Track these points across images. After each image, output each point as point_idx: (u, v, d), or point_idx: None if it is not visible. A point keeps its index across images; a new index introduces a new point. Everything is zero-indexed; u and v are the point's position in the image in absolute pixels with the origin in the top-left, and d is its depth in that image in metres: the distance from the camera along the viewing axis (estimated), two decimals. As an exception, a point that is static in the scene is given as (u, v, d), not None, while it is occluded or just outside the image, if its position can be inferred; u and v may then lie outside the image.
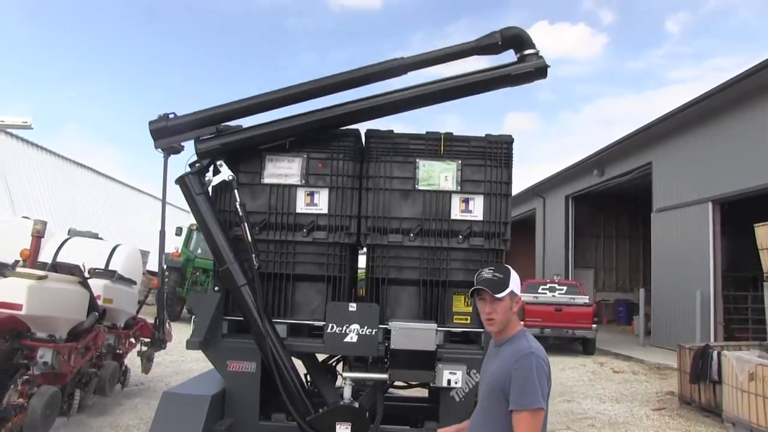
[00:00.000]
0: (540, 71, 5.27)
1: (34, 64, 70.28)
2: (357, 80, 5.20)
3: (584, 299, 17.49)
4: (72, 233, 8.96)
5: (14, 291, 5.49)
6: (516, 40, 5.28)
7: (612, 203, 28.26)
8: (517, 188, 29.02)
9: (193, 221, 20.85)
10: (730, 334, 16.17)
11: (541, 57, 5.27)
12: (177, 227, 19.39)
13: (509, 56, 5.38)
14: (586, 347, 16.98)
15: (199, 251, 19.88)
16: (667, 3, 70.77)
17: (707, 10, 72.77)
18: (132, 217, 32.90)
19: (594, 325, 16.71)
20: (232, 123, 5.32)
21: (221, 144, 5.16)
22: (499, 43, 5.23)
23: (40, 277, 5.68)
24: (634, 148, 20.26)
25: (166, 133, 5.13)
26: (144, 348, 9.18)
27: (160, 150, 5.22)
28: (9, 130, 20.78)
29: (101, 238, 9.75)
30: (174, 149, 5.24)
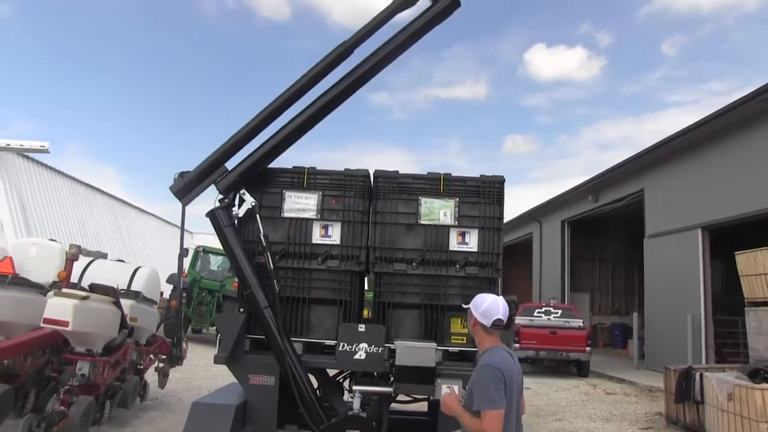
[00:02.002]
0: (454, 4, 6.02)
1: (37, 83, 71.30)
2: (319, 75, 5.92)
3: (579, 323, 18.04)
4: (83, 253, 9.60)
5: (61, 309, 6.17)
6: None
7: (607, 228, 28.80)
8: (514, 212, 29.60)
9: (200, 243, 21.58)
10: (723, 357, 16.70)
11: None
12: (184, 249, 19.99)
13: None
14: (580, 369, 17.54)
15: (205, 272, 20.43)
16: (663, 26, 71.96)
17: (702, 34, 73.94)
18: (137, 237, 33.52)
19: (588, 348, 17.27)
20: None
21: (238, 175, 5.87)
22: None
23: (83, 297, 6.35)
24: (627, 175, 20.95)
25: (187, 191, 5.85)
26: (161, 364, 9.79)
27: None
28: (27, 153, 21.58)
29: (122, 260, 10.44)
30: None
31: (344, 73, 6.03)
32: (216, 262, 20.76)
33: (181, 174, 5.93)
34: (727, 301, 18.58)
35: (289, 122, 5.98)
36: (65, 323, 6.19)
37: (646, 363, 19.33)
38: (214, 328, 18.68)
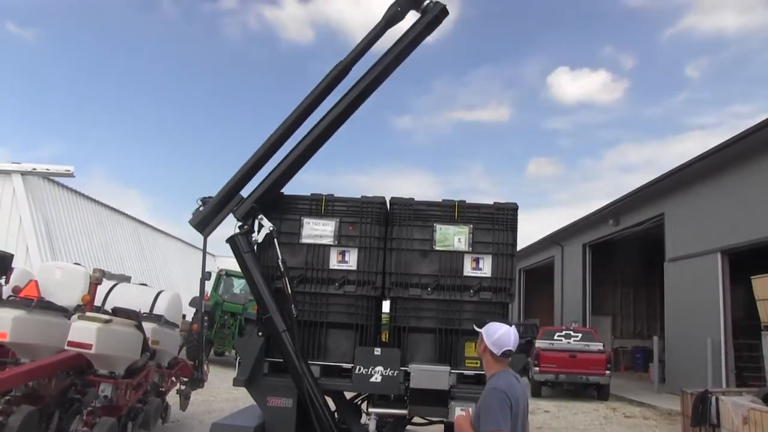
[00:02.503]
0: (443, 12, 6.32)
1: (66, 106, 72.86)
2: (322, 95, 6.24)
3: (598, 346, 17.95)
4: (107, 277, 9.80)
5: (85, 332, 6.35)
6: (411, 0, 6.33)
7: (629, 251, 28.51)
8: (537, 235, 29.57)
9: (222, 267, 21.82)
10: (743, 381, 16.50)
11: (438, 2, 6.29)
12: (206, 272, 20.22)
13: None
14: (600, 393, 17.41)
15: (228, 295, 20.61)
16: (686, 49, 71.65)
17: (726, 56, 73.51)
18: (159, 259, 33.88)
19: (608, 372, 17.15)
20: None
21: (254, 201, 6.06)
22: (400, 9, 6.32)
23: (107, 321, 6.53)
24: (647, 199, 20.92)
25: (206, 223, 6.05)
26: (183, 386, 9.93)
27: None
28: (53, 177, 22.04)
29: (145, 284, 10.65)
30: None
31: (346, 90, 6.33)
32: (238, 285, 20.96)
33: (203, 200, 6.14)
34: (748, 324, 18.37)
35: (298, 144, 6.21)
36: (89, 346, 6.36)
37: (667, 386, 19.14)
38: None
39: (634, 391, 19.01)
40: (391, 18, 6.32)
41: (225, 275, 20.97)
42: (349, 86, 6.33)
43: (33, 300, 6.93)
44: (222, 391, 13.84)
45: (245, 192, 6.20)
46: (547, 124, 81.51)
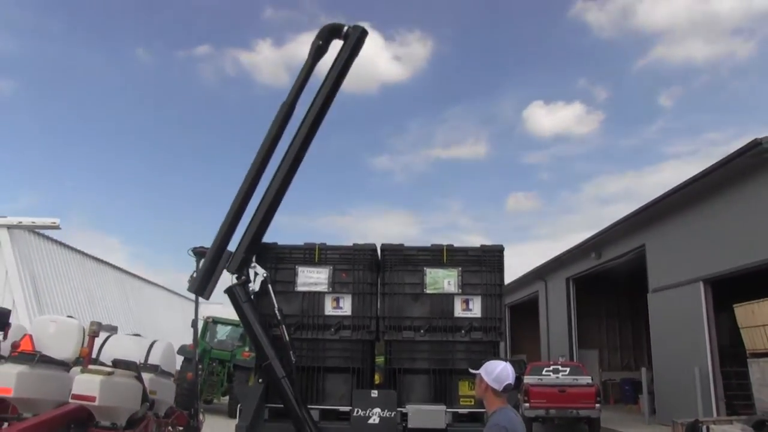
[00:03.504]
0: (364, 34, 6.85)
1: (41, 157, 72.85)
2: (275, 138, 6.64)
3: (587, 379, 18.05)
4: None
5: (89, 385, 6.49)
6: (331, 31, 6.88)
7: (612, 283, 28.75)
8: (519, 270, 29.82)
9: (210, 314, 21.82)
10: (734, 410, 16.66)
11: (357, 26, 6.84)
12: (192, 319, 20.21)
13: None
14: (591, 427, 17.48)
15: (215, 342, 20.56)
16: (658, 78, 73.15)
17: (697, 85, 75.09)
18: (144, 308, 33.70)
19: (597, 405, 17.25)
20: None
21: (243, 252, 6.30)
22: (322, 42, 6.84)
23: (109, 373, 6.67)
24: (628, 231, 21.31)
25: (203, 286, 6.32)
26: (178, 436, 9.97)
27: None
28: (38, 230, 22.06)
29: (138, 334, 10.75)
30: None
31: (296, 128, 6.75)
32: (225, 332, 20.93)
33: (195, 251, 6.38)
34: (735, 352, 18.62)
35: (268, 188, 6.52)
36: (92, 398, 6.49)
37: (658, 417, 19.27)
38: (225, 398, 18.73)
39: (625, 423, 19.12)
40: (317, 53, 6.79)
41: (212, 322, 20.95)
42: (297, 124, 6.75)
43: (35, 355, 7.06)
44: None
45: (232, 246, 6.45)
46: (525, 158, 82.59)
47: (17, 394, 6.70)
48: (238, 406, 6.24)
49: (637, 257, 21.52)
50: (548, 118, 77.43)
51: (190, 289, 6.34)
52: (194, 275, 6.32)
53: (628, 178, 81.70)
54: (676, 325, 18.66)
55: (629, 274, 25.41)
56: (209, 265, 6.30)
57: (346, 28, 6.83)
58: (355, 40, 6.75)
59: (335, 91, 6.75)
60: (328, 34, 6.86)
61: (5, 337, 8.33)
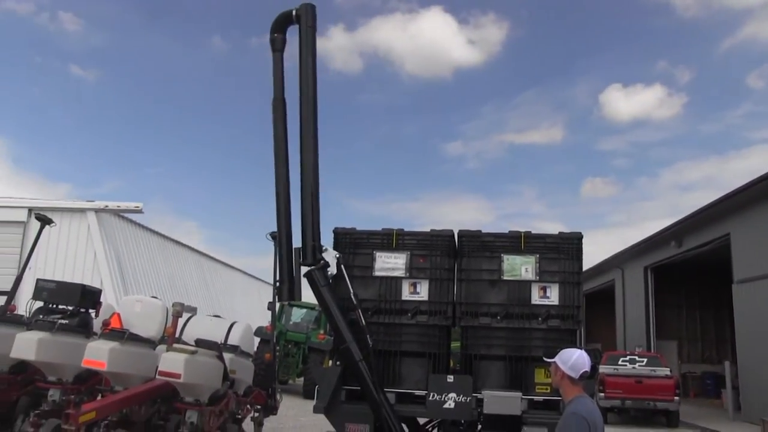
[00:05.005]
0: (311, 7, 6.86)
1: (122, 143, 75.75)
2: (284, 132, 6.85)
3: (665, 371, 17.58)
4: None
5: (174, 362, 6.78)
6: (283, 21, 6.98)
7: (694, 273, 27.76)
8: (595, 258, 29.14)
9: (287, 297, 22.29)
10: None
11: (303, 4, 6.84)
12: (269, 302, 20.71)
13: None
14: (670, 420, 17.05)
15: (291, 325, 21.00)
16: (747, 59, 69.10)
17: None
18: (222, 290, 34.72)
19: (676, 398, 16.78)
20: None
21: (311, 242, 6.40)
22: (277, 35, 7.01)
23: (193, 352, 6.96)
24: (711, 219, 20.47)
25: (291, 289, 6.56)
26: (257, 414, 10.29)
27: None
28: (122, 213, 23.04)
29: (218, 316, 11.12)
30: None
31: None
32: (300, 315, 21.36)
33: (272, 235, 6.55)
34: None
35: (302, 178, 6.58)
36: (178, 375, 6.79)
37: (744, 415, 18.49)
38: (300, 379, 19.15)
39: (707, 418, 18.46)
40: (279, 44, 6.92)
41: (288, 305, 21.40)
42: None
43: (125, 332, 7.44)
44: (289, 419, 14.17)
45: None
46: (601, 143, 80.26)
47: (110, 368, 7.09)
48: (316, 387, 6.38)
49: (720, 247, 20.66)
50: (626, 102, 75.01)
51: (283, 300, 6.59)
52: (277, 285, 6.54)
53: (711, 164, 78.41)
54: (764, 318, 17.85)
55: (711, 263, 24.50)
56: (288, 269, 6.47)
57: (294, 11, 6.88)
58: (309, 18, 6.82)
59: (314, 68, 6.81)
60: (282, 24, 6.99)
61: (97, 314, 8.80)
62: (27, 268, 9.92)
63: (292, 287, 6.43)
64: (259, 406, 10.26)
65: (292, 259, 6.49)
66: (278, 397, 10.18)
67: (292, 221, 6.66)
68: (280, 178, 6.64)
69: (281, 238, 6.58)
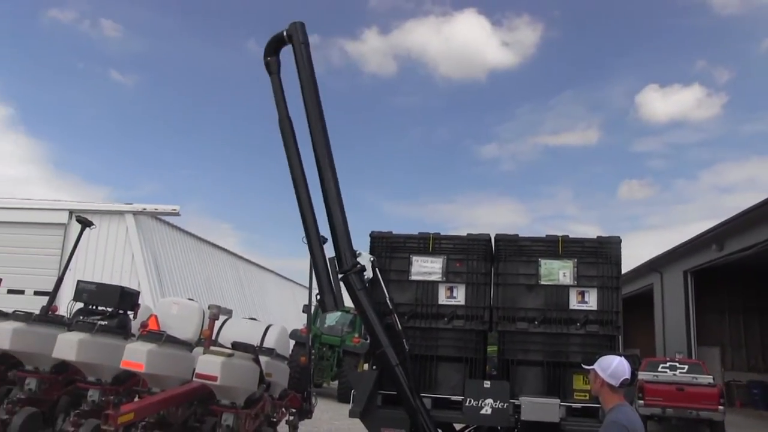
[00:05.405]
0: (300, 25, 7.00)
1: (160, 147, 76.98)
2: (296, 149, 6.96)
3: (708, 379, 17.11)
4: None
5: (211, 365, 6.82)
6: (276, 44, 7.17)
7: (736, 277, 27.03)
8: (632, 261, 28.60)
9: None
10: None
11: (292, 23, 6.96)
12: (304, 305, 20.76)
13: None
14: (714, 430, 16.58)
15: (325, 328, 21.02)
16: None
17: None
18: (257, 292, 34.98)
19: (721, 407, 16.28)
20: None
21: (345, 249, 6.42)
22: (271, 58, 7.17)
23: (229, 355, 6.99)
24: (755, 222, 19.89)
25: (334, 299, 6.51)
26: (291, 417, 10.31)
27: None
28: (160, 216, 23.37)
29: (254, 318, 11.19)
30: None
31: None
32: (335, 318, 21.36)
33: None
34: None
35: (324, 189, 6.63)
36: (214, 378, 6.83)
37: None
38: (335, 382, 19.15)
39: (756, 429, 17.86)
40: (273, 68, 7.11)
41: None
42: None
43: (162, 334, 7.51)
44: (324, 422, 14.18)
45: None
46: (638, 145, 78.88)
47: (148, 370, 7.16)
48: (352, 391, 6.37)
49: (765, 250, 20.11)
50: (663, 102, 73.63)
51: (328, 310, 6.62)
52: (317, 297, 6.58)
53: (752, 165, 76.53)
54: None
55: (756, 267, 23.85)
56: (327, 280, 6.47)
57: (285, 32, 7.02)
58: (300, 35, 6.94)
59: (315, 82, 6.89)
60: (274, 46, 7.17)
61: (135, 316, 8.91)
62: (67, 270, 10.09)
63: (335, 296, 6.42)
64: (294, 410, 10.28)
65: (328, 270, 6.49)
66: (313, 400, 10.19)
67: (321, 232, 6.71)
68: (303, 200, 6.71)
69: (315, 254, 6.58)
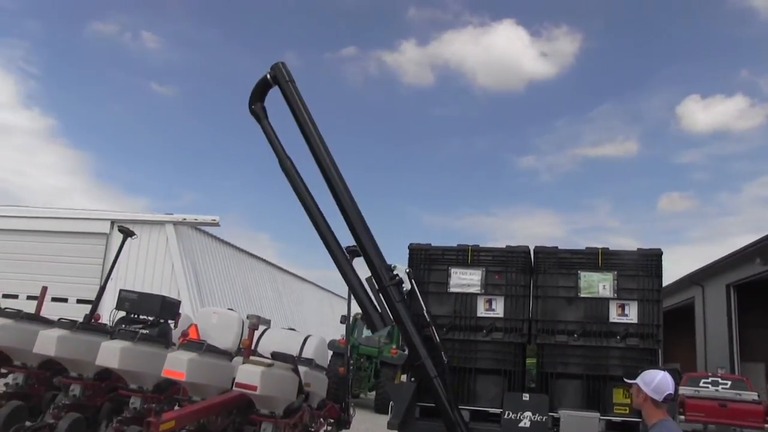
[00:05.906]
0: (281, 64, 7.05)
1: (198, 157, 78.13)
2: (306, 190, 7.01)
3: (752, 395, 16.77)
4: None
5: (251, 375, 6.90)
6: (263, 88, 7.19)
7: (781, 292, 26.45)
8: (673, 275, 28.10)
9: (359, 311, 22.41)
10: None
11: (274, 65, 7.02)
12: (342, 315, 20.87)
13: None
14: (758, 447, 16.21)
15: (363, 337, 21.07)
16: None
17: None
18: (295, 303, 35.20)
19: (767, 425, 15.94)
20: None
21: (382, 265, 6.47)
22: (259, 104, 7.21)
23: (269, 365, 7.07)
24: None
25: (383, 319, 6.54)
26: (329, 427, 10.37)
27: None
28: (199, 226, 23.74)
29: (293, 329, 11.29)
30: None
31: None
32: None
33: (348, 251, 6.67)
34: None
35: (342, 207, 6.66)
36: (254, 387, 6.91)
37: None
38: (372, 393, 19.17)
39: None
40: (262, 114, 7.17)
41: (360, 319, 21.49)
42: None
43: (203, 343, 7.63)
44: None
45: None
46: (678, 157, 77.45)
47: (188, 379, 7.26)
48: (390, 403, 6.39)
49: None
50: (705, 114, 72.21)
51: (378, 329, 6.71)
52: (361, 319, 6.67)
53: (799, 177, 74.51)
54: None
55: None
56: (368, 301, 6.51)
57: (268, 75, 7.05)
58: (284, 74, 6.98)
59: (309, 115, 6.93)
60: (260, 92, 7.21)
61: (176, 325, 9.08)
62: (110, 279, 10.32)
63: (381, 315, 6.46)
64: (332, 420, 10.33)
65: (367, 291, 6.54)
66: (351, 411, 10.23)
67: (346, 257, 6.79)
68: (326, 236, 6.78)
69: (350, 280, 6.65)
